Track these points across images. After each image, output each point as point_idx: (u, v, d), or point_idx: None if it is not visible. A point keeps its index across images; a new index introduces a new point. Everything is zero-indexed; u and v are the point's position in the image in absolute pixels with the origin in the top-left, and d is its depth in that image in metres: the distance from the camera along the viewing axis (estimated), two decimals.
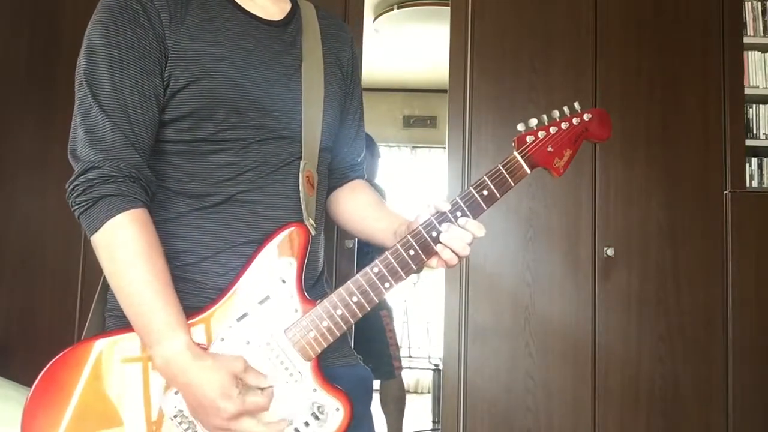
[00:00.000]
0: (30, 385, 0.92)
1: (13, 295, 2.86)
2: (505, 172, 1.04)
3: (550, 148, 1.06)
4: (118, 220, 0.92)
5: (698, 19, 2.93)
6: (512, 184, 1.04)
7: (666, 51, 2.90)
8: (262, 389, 0.94)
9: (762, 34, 3.02)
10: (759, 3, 3.03)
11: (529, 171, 1.05)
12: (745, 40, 2.96)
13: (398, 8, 4.64)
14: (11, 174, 2.91)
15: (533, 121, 1.06)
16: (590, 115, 1.08)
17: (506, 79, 2.90)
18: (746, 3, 3.01)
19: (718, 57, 2.90)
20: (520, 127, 1.05)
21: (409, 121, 6.37)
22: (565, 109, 1.08)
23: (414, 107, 6.33)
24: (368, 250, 3.11)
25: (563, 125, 1.06)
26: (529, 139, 1.05)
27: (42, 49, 2.96)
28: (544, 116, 1.06)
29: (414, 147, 6.46)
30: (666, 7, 2.93)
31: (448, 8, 2.99)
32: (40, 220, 2.88)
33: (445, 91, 3.00)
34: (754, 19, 3.03)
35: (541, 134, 1.05)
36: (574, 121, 1.07)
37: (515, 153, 1.05)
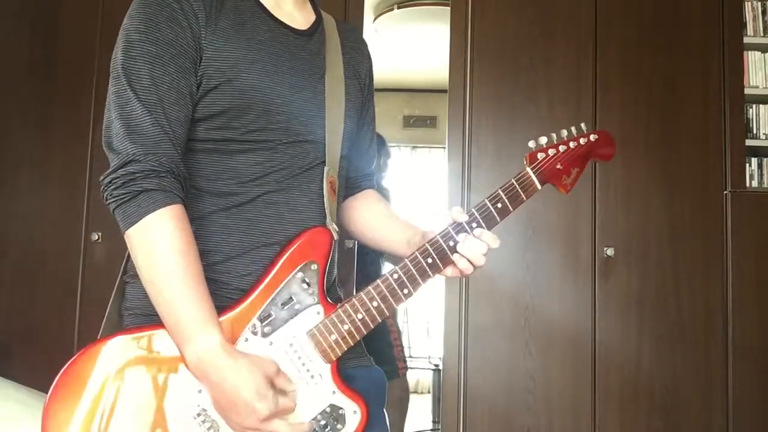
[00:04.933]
0: (29, 385, 0.92)
1: (13, 295, 2.86)
2: (518, 186, 1.08)
3: (559, 166, 1.11)
4: (158, 215, 0.92)
5: (698, 19, 2.93)
6: (524, 198, 1.08)
7: (666, 51, 2.90)
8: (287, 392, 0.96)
9: (762, 34, 3.02)
10: (759, 3, 3.03)
11: (540, 186, 1.09)
12: (745, 40, 2.96)
13: (398, 8, 4.64)
14: (11, 174, 2.91)
15: (543, 139, 1.10)
16: (596, 137, 1.13)
17: (506, 79, 2.90)
18: (746, 3, 3.01)
19: (718, 57, 2.90)
20: (531, 144, 1.10)
21: (409, 121, 6.37)
22: (573, 129, 1.12)
23: (414, 107, 6.33)
24: (368, 251, 3.11)
25: (571, 144, 1.11)
26: (540, 156, 1.10)
27: (42, 49, 2.97)
28: (554, 135, 1.11)
29: (414, 147, 6.46)
30: (666, 7, 2.93)
31: (448, 8, 2.99)
32: (40, 220, 2.88)
33: (445, 91, 3.01)
34: (754, 19, 3.03)
35: (551, 152, 1.10)
36: (581, 141, 1.12)
37: (527, 169, 1.09)
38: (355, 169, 1.24)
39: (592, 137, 1.13)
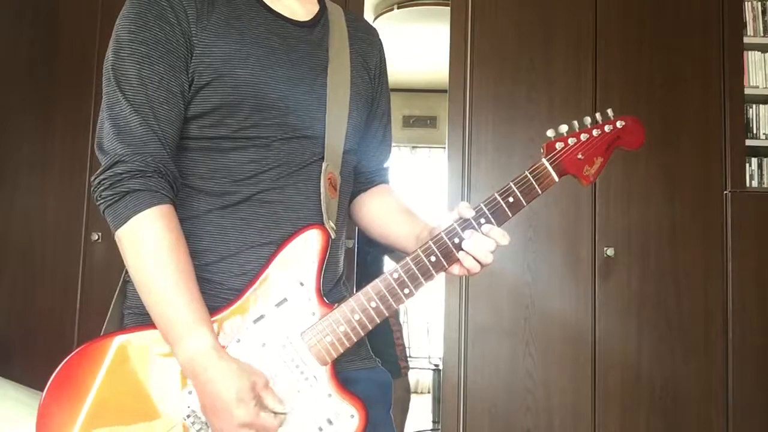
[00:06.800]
0: (29, 385, 0.92)
1: (13, 295, 2.86)
2: (532, 179, 1.01)
3: (580, 156, 1.03)
4: (144, 216, 0.91)
5: (698, 19, 2.93)
6: (539, 191, 1.02)
7: (666, 51, 2.90)
8: (276, 413, 0.93)
9: (762, 34, 3.02)
10: (759, 3, 3.03)
11: (557, 178, 1.02)
12: (745, 40, 2.96)
13: (398, 8, 4.65)
14: (11, 174, 2.91)
15: (563, 128, 1.03)
16: (623, 123, 1.05)
17: (506, 79, 2.90)
18: (746, 3, 3.01)
19: (718, 57, 2.90)
20: (550, 133, 1.02)
21: (409, 121, 6.37)
22: (598, 115, 1.05)
23: (414, 107, 6.33)
24: (369, 250, 3.11)
25: (595, 132, 1.04)
26: (559, 145, 1.02)
27: (42, 49, 2.97)
28: (575, 122, 1.03)
29: (414, 147, 6.46)
30: (666, 7, 2.93)
31: (448, 8, 2.99)
32: (40, 220, 2.88)
33: (445, 91, 3.01)
34: (754, 19, 3.02)
35: (571, 141, 1.03)
36: (607, 128, 1.04)
37: (543, 160, 1.02)
38: (366, 164, 1.20)
39: (618, 124, 1.04)
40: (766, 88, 3.00)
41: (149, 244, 0.91)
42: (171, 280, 0.91)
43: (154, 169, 0.93)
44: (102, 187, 0.93)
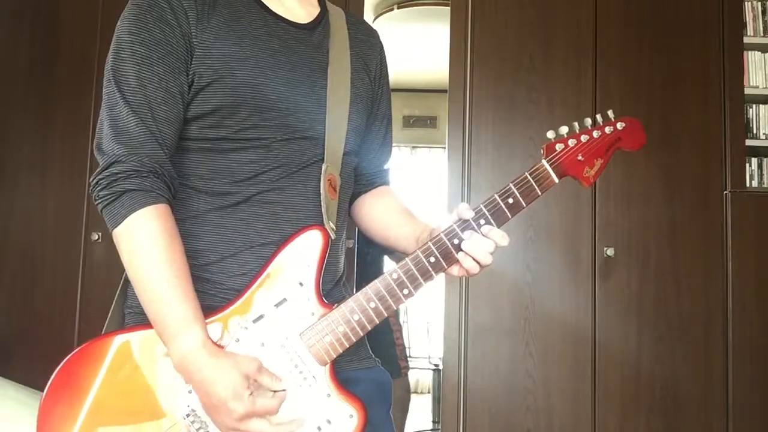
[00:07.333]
0: (29, 385, 0.92)
1: (13, 295, 2.86)
2: (532, 180, 1.01)
3: (580, 157, 1.03)
4: (139, 215, 0.92)
5: (698, 19, 2.93)
6: (539, 192, 1.02)
7: (666, 51, 2.90)
8: (274, 392, 0.94)
9: (762, 34, 3.02)
10: (759, 3, 3.03)
11: (557, 180, 1.03)
12: (745, 40, 2.96)
13: (398, 8, 4.65)
14: (11, 174, 2.91)
15: (563, 129, 1.03)
16: (624, 124, 1.06)
17: (506, 79, 2.90)
18: (746, 3, 3.01)
19: (718, 57, 2.90)
20: (550, 134, 1.03)
21: (409, 121, 6.37)
22: (598, 117, 1.05)
23: (414, 107, 6.33)
24: (368, 251, 3.11)
25: (595, 134, 1.04)
26: (559, 147, 1.03)
27: (42, 49, 2.97)
28: (576, 124, 1.04)
29: (414, 147, 6.46)
30: (666, 7, 2.93)
31: (448, 8, 2.99)
32: (40, 220, 2.88)
33: (445, 91, 3.01)
34: (754, 19, 3.02)
35: (571, 142, 1.03)
36: (607, 129, 1.05)
37: (543, 161, 1.02)
38: (367, 166, 1.21)
39: (618, 125, 1.05)
40: (766, 88, 3.00)
41: (144, 243, 0.92)
42: (163, 279, 0.91)
43: (150, 169, 0.94)
44: (99, 187, 0.94)
